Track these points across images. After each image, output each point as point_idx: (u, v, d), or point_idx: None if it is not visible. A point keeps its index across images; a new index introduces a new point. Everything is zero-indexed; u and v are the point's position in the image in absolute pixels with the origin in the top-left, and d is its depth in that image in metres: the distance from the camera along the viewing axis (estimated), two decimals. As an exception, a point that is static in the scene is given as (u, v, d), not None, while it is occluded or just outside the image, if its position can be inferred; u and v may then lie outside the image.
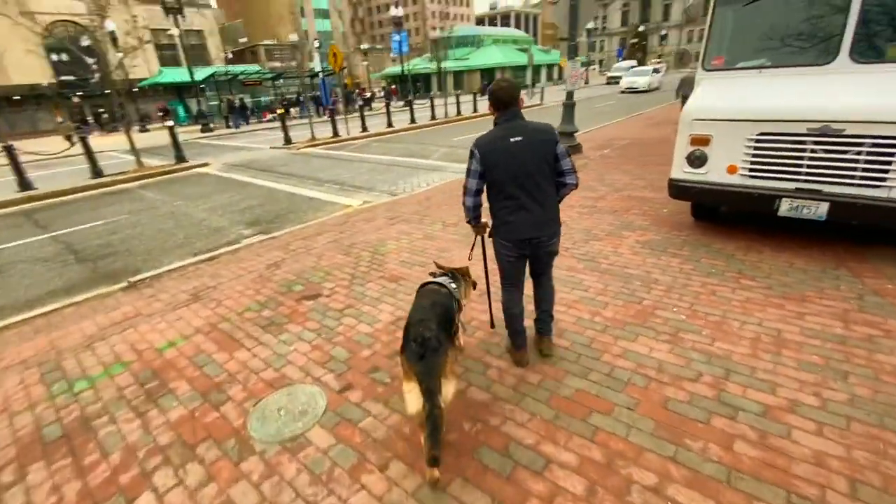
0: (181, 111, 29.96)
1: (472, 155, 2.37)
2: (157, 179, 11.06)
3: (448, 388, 1.95)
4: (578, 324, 3.11)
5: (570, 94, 9.38)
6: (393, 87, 38.94)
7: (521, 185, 2.32)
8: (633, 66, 47.49)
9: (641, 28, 65.41)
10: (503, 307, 2.67)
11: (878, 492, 1.77)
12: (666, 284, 3.58)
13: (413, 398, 1.89)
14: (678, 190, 4.36)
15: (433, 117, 19.69)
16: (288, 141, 14.90)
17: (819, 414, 2.17)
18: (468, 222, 2.58)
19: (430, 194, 7.24)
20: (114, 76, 11.88)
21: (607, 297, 3.45)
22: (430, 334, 1.96)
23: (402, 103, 29.74)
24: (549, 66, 52.84)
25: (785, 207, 3.77)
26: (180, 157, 12.27)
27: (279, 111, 15.68)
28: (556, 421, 2.25)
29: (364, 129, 16.93)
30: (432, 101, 19.90)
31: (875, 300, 3.12)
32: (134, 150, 11.57)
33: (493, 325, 3.02)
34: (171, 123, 12.14)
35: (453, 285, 2.58)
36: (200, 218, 7.17)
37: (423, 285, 2.57)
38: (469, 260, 2.97)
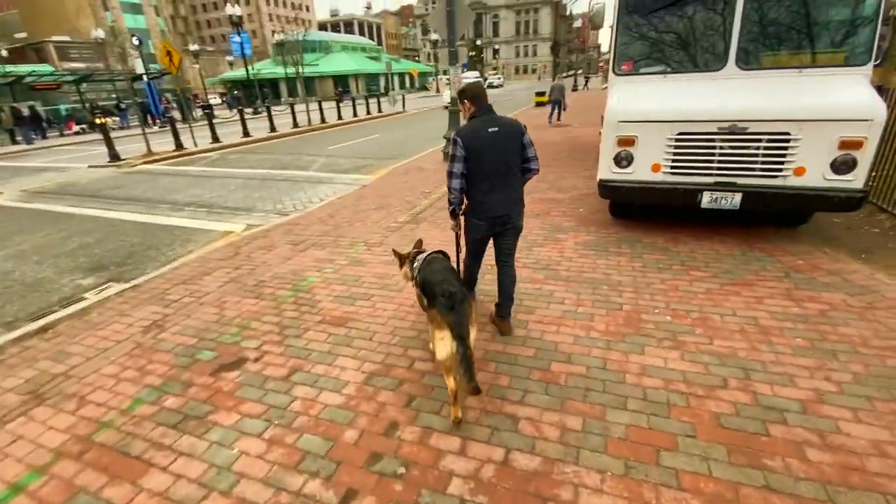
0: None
1: (455, 143, 2.60)
2: None
3: (473, 333, 2.19)
4: (579, 343, 2.84)
5: (454, 101, 9.34)
6: (236, 92, 34.98)
7: (496, 170, 2.63)
8: (477, 77, 51.53)
9: (478, 42, 71.06)
10: (468, 272, 3.09)
11: (946, 472, 1.83)
12: (631, 285, 3.56)
13: (445, 345, 2.10)
14: (609, 190, 4.46)
15: (296, 125, 18.11)
16: (115, 157, 11.99)
17: (844, 399, 2.24)
18: (451, 210, 2.80)
19: (332, 211, 6.37)
20: None
21: (587, 308, 3.26)
22: (454, 289, 2.21)
23: (250, 111, 26.91)
24: (401, 75, 53.81)
25: (706, 200, 4.10)
26: (-56, 187, 8.83)
27: (99, 120, 12.53)
28: (632, 473, 1.90)
29: (215, 139, 14.65)
30: (293, 108, 18.27)
31: (800, 276, 3.53)
32: None
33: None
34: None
35: None
36: (2, 271, 5.10)
37: (425, 258, 2.73)
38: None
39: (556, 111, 14.63)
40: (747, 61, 4.18)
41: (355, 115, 21.96)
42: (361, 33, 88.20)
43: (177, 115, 20.49)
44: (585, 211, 5.56)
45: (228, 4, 23.01)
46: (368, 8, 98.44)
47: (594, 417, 2.22)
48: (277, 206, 7.18)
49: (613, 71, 4.64)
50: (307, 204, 7.12)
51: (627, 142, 4.26)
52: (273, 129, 16.91)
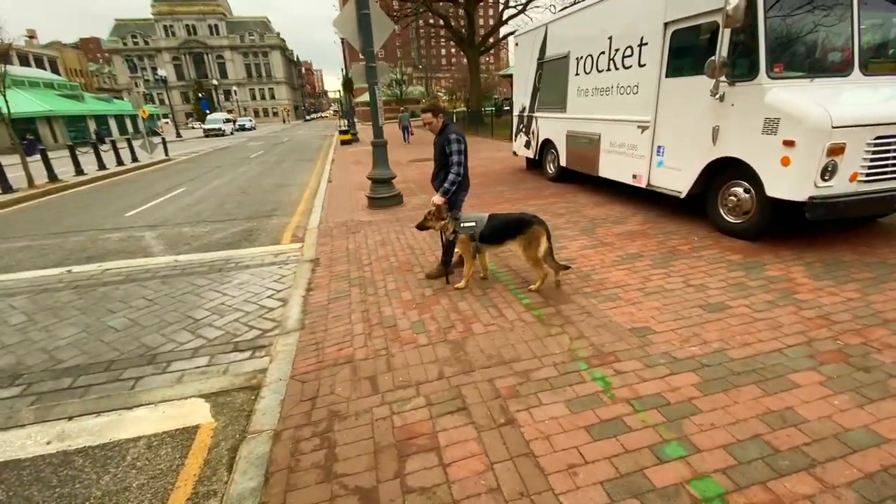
0: None
1: (459, 140, 3.77)
2: None
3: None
4: None
5: (379, 132, 7.13)
6: None
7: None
8: (227, 119, 45.48)
9: (215, 82, 63.33)
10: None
11: None
12: None
13: (543, 245, 3.47)
14: (826, 209, 3.71)
15: (7, 188, 11.11)
16: None
17: None
18: (458, 183, 3.85)
19: (361, 312, 3.51)
20: None
21: None
22: (536, 216, 3.64)
23: None
24: (118, 117, 42.18)
25: (900, 205, 3.85)
26: None
27: None
28: None
29: None
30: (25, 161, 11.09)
31: None
32: None
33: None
34: None
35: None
36: None
37: (487, 216, 3.79)
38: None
39: (407, 134, 19.87)
40: (866, 67, 4.19)
41: (93, 168, 15.35)
42: (26, 66, 65.46)
43: None
44: (697, 238, 4.72)
45: None
46: (32, 37, 73.96)
47: None
48: (212, 335, 3.62)
49: (767, 73, 3.98)
50: (266, 315, 3.88)
51: (838, 150, 3.63)
52: (-35, 198, 9.83)
